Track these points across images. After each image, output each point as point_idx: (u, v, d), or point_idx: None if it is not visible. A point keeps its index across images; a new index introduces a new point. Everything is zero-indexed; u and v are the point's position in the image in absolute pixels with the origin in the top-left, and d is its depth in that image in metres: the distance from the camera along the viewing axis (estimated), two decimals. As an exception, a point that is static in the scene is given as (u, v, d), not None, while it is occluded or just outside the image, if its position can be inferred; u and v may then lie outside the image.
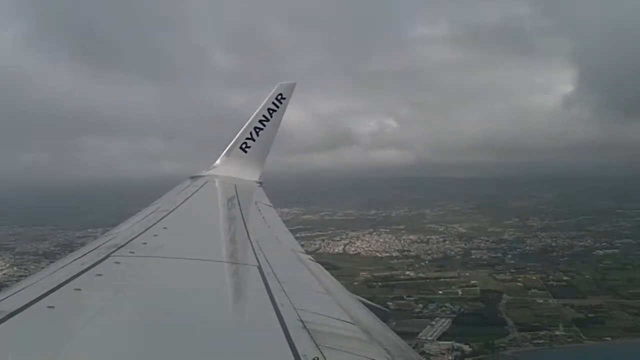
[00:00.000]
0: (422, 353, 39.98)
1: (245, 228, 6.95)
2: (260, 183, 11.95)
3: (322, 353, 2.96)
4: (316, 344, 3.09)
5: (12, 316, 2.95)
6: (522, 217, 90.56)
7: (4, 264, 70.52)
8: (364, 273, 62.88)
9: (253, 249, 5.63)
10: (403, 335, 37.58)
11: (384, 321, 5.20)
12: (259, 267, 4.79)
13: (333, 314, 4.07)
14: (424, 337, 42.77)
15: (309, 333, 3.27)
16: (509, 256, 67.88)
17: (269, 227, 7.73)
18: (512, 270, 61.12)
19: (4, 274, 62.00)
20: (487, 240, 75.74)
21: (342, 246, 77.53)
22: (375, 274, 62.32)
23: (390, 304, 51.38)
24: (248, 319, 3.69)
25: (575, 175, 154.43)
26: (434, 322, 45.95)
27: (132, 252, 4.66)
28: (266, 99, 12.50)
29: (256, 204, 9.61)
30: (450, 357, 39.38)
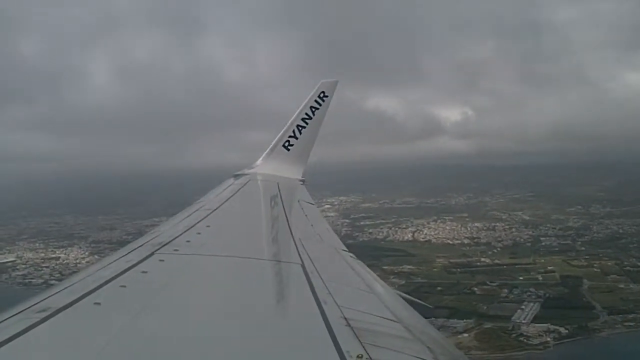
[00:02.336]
0: (520, 335, 43.02)
1: (289, 226, 6.99)
2: (303, 181, 11.92)
3: (365, 350, 2.98)
4: (360, 342, 3.13)
5: (59, 312, 3.03)
6: (584, 204, 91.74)
7: (82, 252, 75.00)
8: (440, 260, 65.54)
9: (296, 247, 5.68)
10: (497, 318, 40.72)
11: (426, 317, 5.35)
12: (302, 265, 4.87)
13: (376, 311, 4.15)
14: (518, 320, 45.53)
15: (353, 330, 3.31)
16: (579, 243, 69.81)
17: (311, 225, 7.77)
18: (586, 257, 63.21)
19: (87, 262, 65.52)
20: (554, 228, 77.44)
21: (411, 234, 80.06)
22: (451, 261, 64.88)
23: (476, 289, 54.54)
24: (292, 316, 3.74)
25: (636, 162, 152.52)
26: (523, 306, 48.50)
27: (176, 250, 4.76)
28: (308, 97, 12.42)
29: (299, 202, 9.61)
30: (548, 339, 42.11)
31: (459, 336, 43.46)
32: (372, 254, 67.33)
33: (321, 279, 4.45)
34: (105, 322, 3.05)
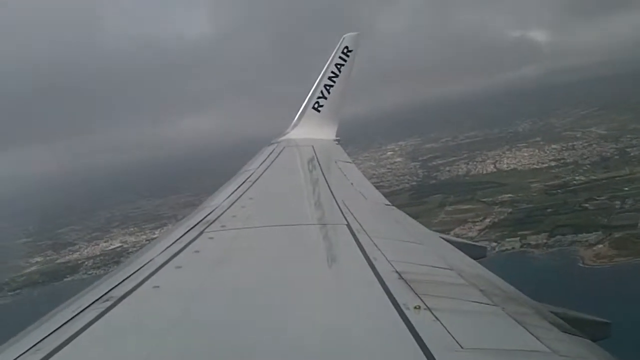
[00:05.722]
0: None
1: (329, 188, 7.00)
2: (338, 140, 11.95)
3: (422, 301, 3.00)
4: (415, 293, 3.15)
5: (122, 299, 3.13)
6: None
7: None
8: (535, 185, 65.96)
9: (339, 207, 5.72)
10: (623, 228, 42.10)
11: (483, 257, 5.48)
12: (348, 225, 4.91)
13: (427, 261, 4.21)
14: (645, 227, 46.74)
15: (406, 283, 3.32)
16: (669, 146, 69.17)
17: (351, 184, 7.85)
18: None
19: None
20: (636, 138, 76.68)
21: (491, 165, 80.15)
22: (546, 184, 65.35)
23: (587, 205, 55.41)
24: (345, 277, 3.80)
25: None
26: (644, 213, 49.36)
27: (224, 226, 4.89)
28: (332, 54, 12.13)
29: (336, 162, 9.65)
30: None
31: (594, 248, 45.28)
32: (463, 190, 68.92)
33: (368, 236, 4.53)
34: (166, 305, 3.18)
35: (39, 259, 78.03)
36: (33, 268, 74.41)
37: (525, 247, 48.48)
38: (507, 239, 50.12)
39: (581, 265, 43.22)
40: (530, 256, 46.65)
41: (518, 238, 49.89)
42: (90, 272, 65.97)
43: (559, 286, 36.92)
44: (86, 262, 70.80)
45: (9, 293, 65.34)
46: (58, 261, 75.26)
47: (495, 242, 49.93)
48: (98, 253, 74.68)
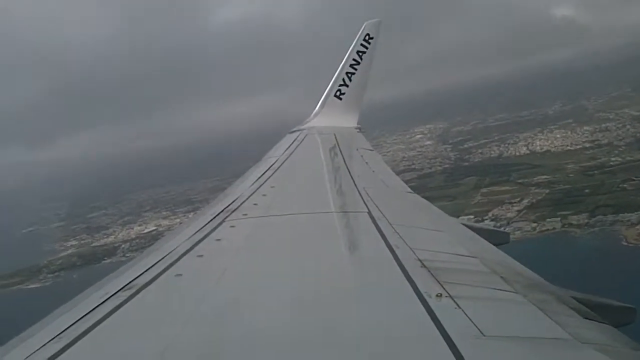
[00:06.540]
0: None
1: (351, 176, 7.00)
2: (360, 128, 11.94)
3: (444, 289, 3.01)
4: (437, 281, 3.15)
5: (144, 287, 3.17)
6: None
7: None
8: (570, 166, 65.26)
9: (361, 195, 5.72)
10: None
11: (506, 242, 5.50)
12: (369, 213, 4.90)
13: (449, 249, 4.18)
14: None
15: (429, 271, 3.32)
16: None
17: (373, 171, 7.79)
18: None
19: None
20: (672, 118, 75.86)
21: (524, 147, 79.39)
22: (582, 165, 64.68)
23: (625, 185, 54.72)
24: (366, 265, 3.78)
25: None
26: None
27: (245, 215, 4.93)
28: (354, 42, 12.13)
29: (358, 150, 9.65)
30: None
31: (637, 227, 44.88)
32: (497, 171, 68.58)
33: (390, 224, 4.52)
34: (188, 293, 3.25)
35: (73, 243, 79.50)
36: (69, 251, 75.76)
37: (566, 227, 48.37)
38: (547, 220, 49.89)
39: (624, 244, 43.08)
40: (572, 236, 46.55)
41: (558, 218, 49.68)
42: (128, 255, 66.62)
43: (605, 264, 36.90)
44: (122, 245, 71.58)
45: (49, 275, 66.48)
46: (93, 244, 76.48)
47: (535, 222, 49.94)
48: (133, 236, 75.49)
